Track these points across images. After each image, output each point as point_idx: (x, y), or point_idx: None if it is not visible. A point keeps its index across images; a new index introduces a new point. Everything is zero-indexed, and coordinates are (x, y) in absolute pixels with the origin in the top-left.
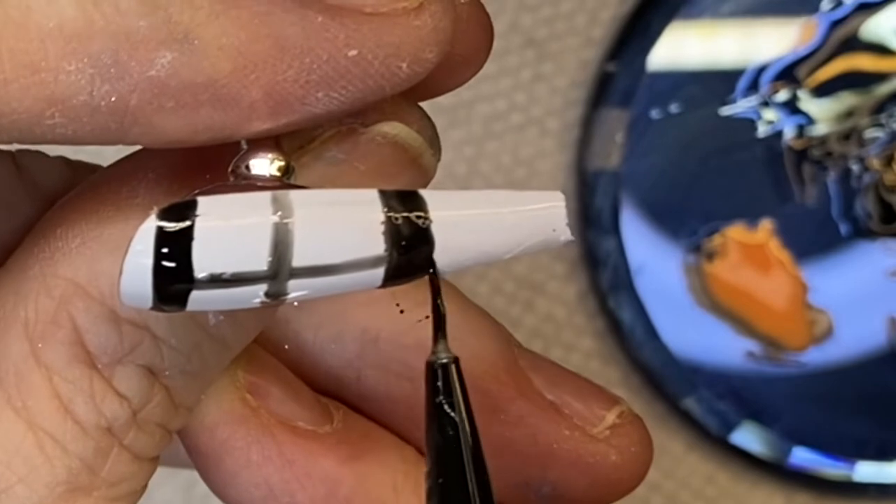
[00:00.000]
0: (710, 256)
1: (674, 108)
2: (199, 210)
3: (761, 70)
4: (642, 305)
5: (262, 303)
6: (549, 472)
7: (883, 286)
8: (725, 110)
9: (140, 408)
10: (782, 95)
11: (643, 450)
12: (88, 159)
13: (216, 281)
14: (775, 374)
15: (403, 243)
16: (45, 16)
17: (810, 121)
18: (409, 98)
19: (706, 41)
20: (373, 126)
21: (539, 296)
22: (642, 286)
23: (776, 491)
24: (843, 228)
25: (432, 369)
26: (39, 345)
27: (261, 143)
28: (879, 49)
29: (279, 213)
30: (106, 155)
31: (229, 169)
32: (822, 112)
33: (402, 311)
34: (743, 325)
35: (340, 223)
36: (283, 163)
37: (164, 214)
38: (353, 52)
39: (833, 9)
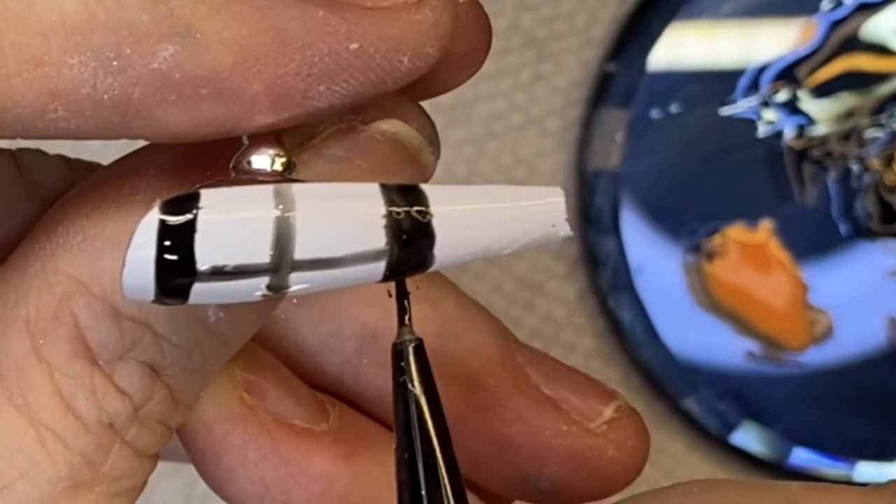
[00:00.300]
0: (710, 256)
1: (674, 108)
2: (202, 203)
3: (761, 70)
4: (642, 305)
5: (264, 296)
6: (546, 466)
7: (883, 286)
8: (725, 110)
9: (141, 404)
10: (782, 95)
11: (640, 444)
12: (89, 158)
13: (218, 273)
14: (775, 374)
15: (404, 237)
16: (47, 10)
17: (810, 121)
18: (408, 96)
19: (706, 41)
20: (373, 123)
21: (539, 296)
22: (642, 286)
23: None
24: (843, 228)
25: (396, 351)
26: (41, 341)
27: (262, 138)
28: (879, 49)
29: (281, 206)
30: (106, 154)
31: (230, 165)
32: (822, 112)
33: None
34: (743, 325)
35: (342, 217)
36: (284, 159)
37: (167, 207)
38: (354, 46)
39: (833, 9)
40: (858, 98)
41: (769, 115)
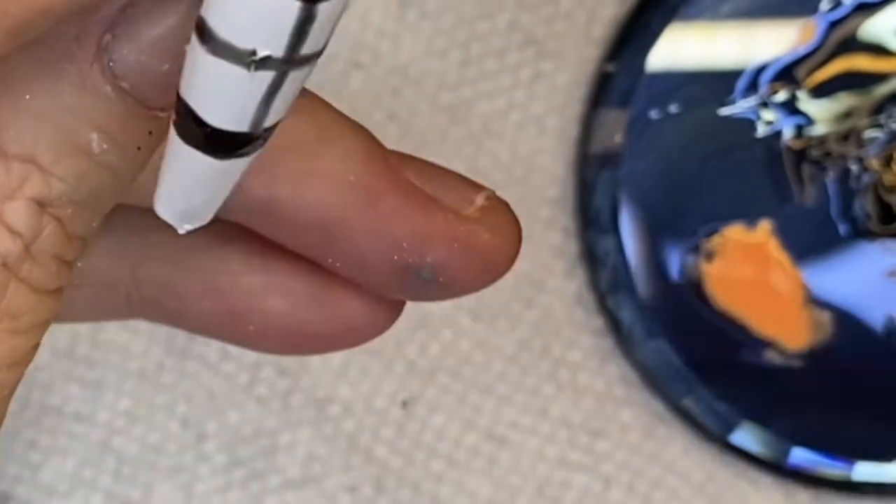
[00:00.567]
0: (709, 256)
1: (673, 108)
2: None
3: (760, 70)
4: (642, 305)
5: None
6: (427, 255)
7: (882, 286)
8: (724, 111)
9: (32, 240)
10: (781, 96)
11: (513, 229)
12: None
13: None
14: (774, 374)
15: None
16: None
17: (809, 121)
18: None
19: (705, 42)
20: None
21: (539, 293)
22: (641, 286)
23: (776, 490)
24: (842, 229)
25: None
26: None
27: None
28: (878, 50)
29: None
30: None
31: None
32: (821, 112)
33: None
34: (741, 325)
35: None
36: None
37: None
38: None
39: (832, 9)
40: (857, 98)
41: (768, 115)
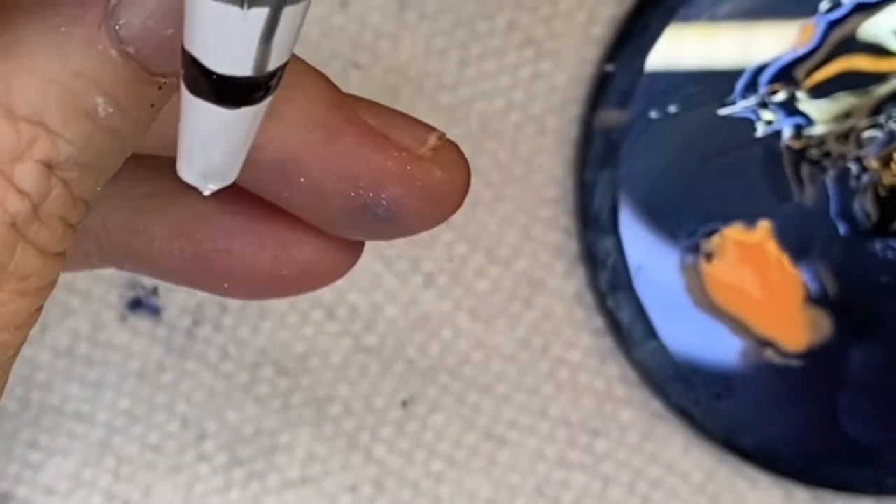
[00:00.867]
0: (709, 256)
1: (672, 108)
2: None
3: (759, 71)
4: (641, 305)
5: None
6: (381, 192)
7: (880, 286)
8: (724, 111)
9: (40, 202)
10: (780, 96)
11: (463, 167)
12: None
13: None
14: (773, 373)
15: None
16: None
17: (808, 121)
18: None
19: (705, 42)
20: None
21: (539, 293)
22: (641, 286)
23: (775, 489)
24: (842, 228)
25: None
26: None
27: None
28: (877, 50)
29: None
30: None
31: None
32: (821, 112)
33: None
34: (741, 324)
35: None
36: None
37: None
38: None
39: (831, 9)
40: (856, 98)
41: (767, 115)
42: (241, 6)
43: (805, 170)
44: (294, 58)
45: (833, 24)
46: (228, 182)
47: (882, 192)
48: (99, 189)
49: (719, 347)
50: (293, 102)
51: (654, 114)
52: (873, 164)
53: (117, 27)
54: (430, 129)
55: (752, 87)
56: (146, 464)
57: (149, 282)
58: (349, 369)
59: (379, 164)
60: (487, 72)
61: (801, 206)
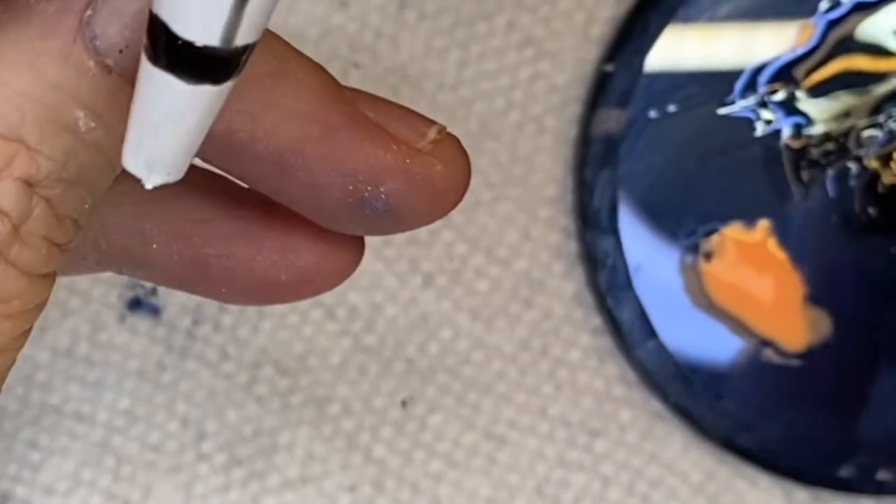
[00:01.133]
0: (708, 256)
1: (671, 108)
2: None
3: (759, 70)
4: (641, 305)
5: None
6: (380, 186)
7: (880, 286)
8: (723, 110)
9: (20, 222)
10: (780, 95)
11: (464, 161)
12: None
13: None
14: (773, 373)
15: None
16: None
17: (808, 121)
18: None
19: (704, 42)
20: None
21: (538, 293)
22: (640, 286)
23: (774, 489)
24: (841, 228)
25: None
26: None
27: None
28: (876, 49)
29: None
30: None
31: None
32: (820, 112)
33: None
34: (740, 324)
35: None
36: None
37: None
38: None
39: (830, 9)
40: (856, 98)
41: (767, 114)
42: None
43: (804, 169)
44: (291, 48)
45: (832, 24)
46: (173, 178)
47: (882, 192)
48: (87, 206)
49: (719, 347)
50: (292, 95)
51: (653, 114)
52: (873, 163)
53: (94, 38)
54: (430, 122)
55: (751, 86)
56: (146, 464)
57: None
58: (349, 369)
59: (378, 158)
60: (487, 72)
61: (800, 206)
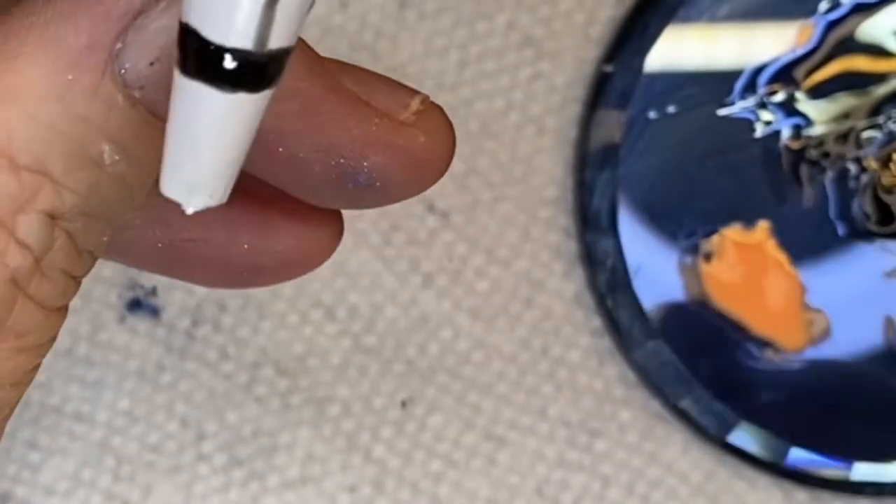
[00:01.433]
0: (708, 257)
1: (671, 108)
2: None
3: (758, 71)
4: (640, 306)
5: None
6: (364, 159)
7: (880, 287)
8: (723, 111)
9: (42, 255)
10: (779, 96)
11: (448, 132)
12: None
13: None
14: (772, 374)
15: None
16: None
17: (807, 121)
18: None
19: (704, 43)
20: None
21: (538, 293)
22: (640, 287)
23: (774, 489)
24: (841, 229)
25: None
26: None
27: None
28: (876, 50)
29: None
30: None
31: None
32: (820, 113)
33: None
34: (740, 325)
35: None
36: None
37: None
38: None
39: (830, 10)
40: (855, 99)
41: (766, 115)
42: None
43: (804, 170)
44: None
45: (832, 25)
46: (216, 201)
47: (881, 193)
48: (105, 239)
49: (719, 348)
50: None
51: (653, 114)
52: (872, 164)
53: (122, 71)
54: (414, 92)
55: (751, 87)
56: (146, 464)
57: (148, 282)
58: (348, 369)
59: (360, 131)
60: (487, 72)
61: (800, 207)
